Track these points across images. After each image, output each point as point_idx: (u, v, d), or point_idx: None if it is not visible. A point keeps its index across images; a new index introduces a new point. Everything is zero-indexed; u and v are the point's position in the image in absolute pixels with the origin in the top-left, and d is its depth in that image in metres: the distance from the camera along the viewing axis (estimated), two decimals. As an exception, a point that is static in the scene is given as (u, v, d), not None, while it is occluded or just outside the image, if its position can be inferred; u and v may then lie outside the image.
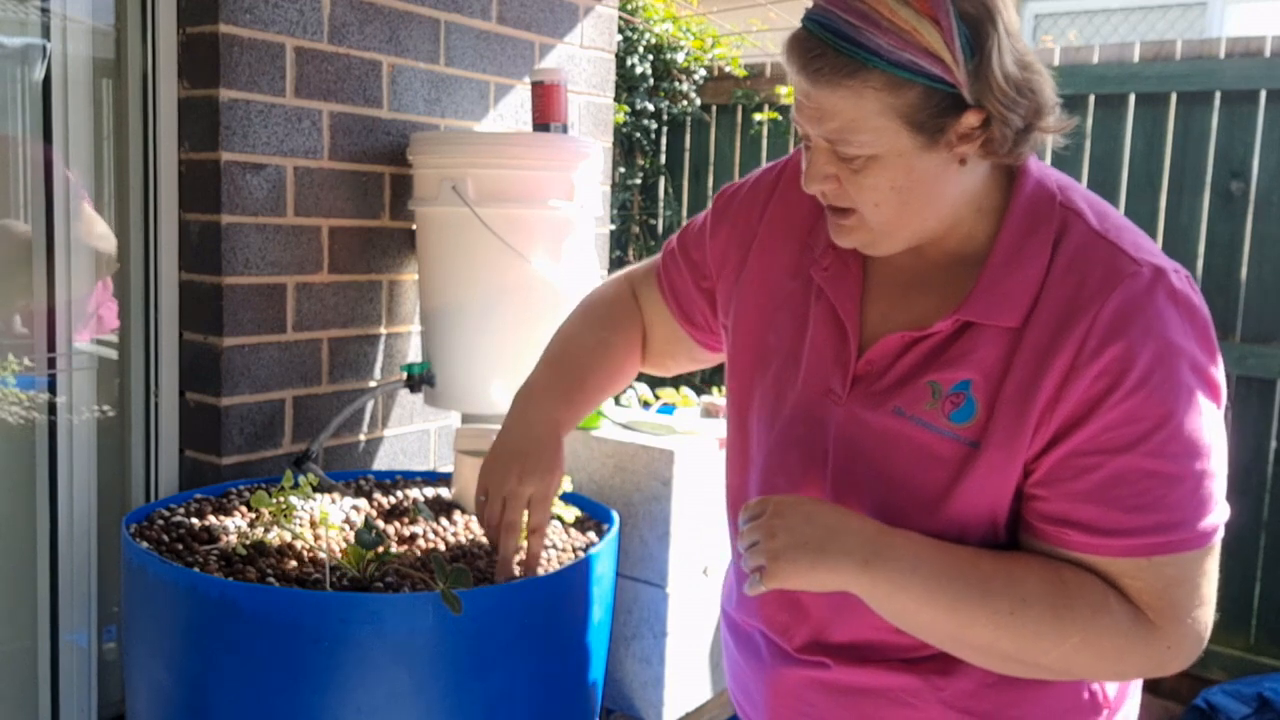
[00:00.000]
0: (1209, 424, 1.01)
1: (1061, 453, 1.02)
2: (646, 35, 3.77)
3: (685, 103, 3.91)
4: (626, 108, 3.72)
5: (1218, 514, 1.03)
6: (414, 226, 2.23)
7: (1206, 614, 1.04)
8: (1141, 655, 1.03)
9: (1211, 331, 1.05)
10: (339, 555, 1.59)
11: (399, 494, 1.96)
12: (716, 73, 3.93)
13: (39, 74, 1.87)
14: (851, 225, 1.09)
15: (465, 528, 1.81)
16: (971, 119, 1.01)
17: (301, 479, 1.79)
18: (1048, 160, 1.19)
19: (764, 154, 3.85)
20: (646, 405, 2.52)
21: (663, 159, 4.07)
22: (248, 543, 1.61)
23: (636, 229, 4.03)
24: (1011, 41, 1.01)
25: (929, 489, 1.07)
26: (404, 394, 2.29)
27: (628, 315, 1.47)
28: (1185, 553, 1.01)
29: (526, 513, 1.39)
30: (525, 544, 1.45)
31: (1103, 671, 1.08)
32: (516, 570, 1.49)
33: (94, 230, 1.96)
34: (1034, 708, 1.12)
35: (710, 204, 1.40)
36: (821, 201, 1.12)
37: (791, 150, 1.21)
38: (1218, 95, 3.00)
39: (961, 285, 1.09)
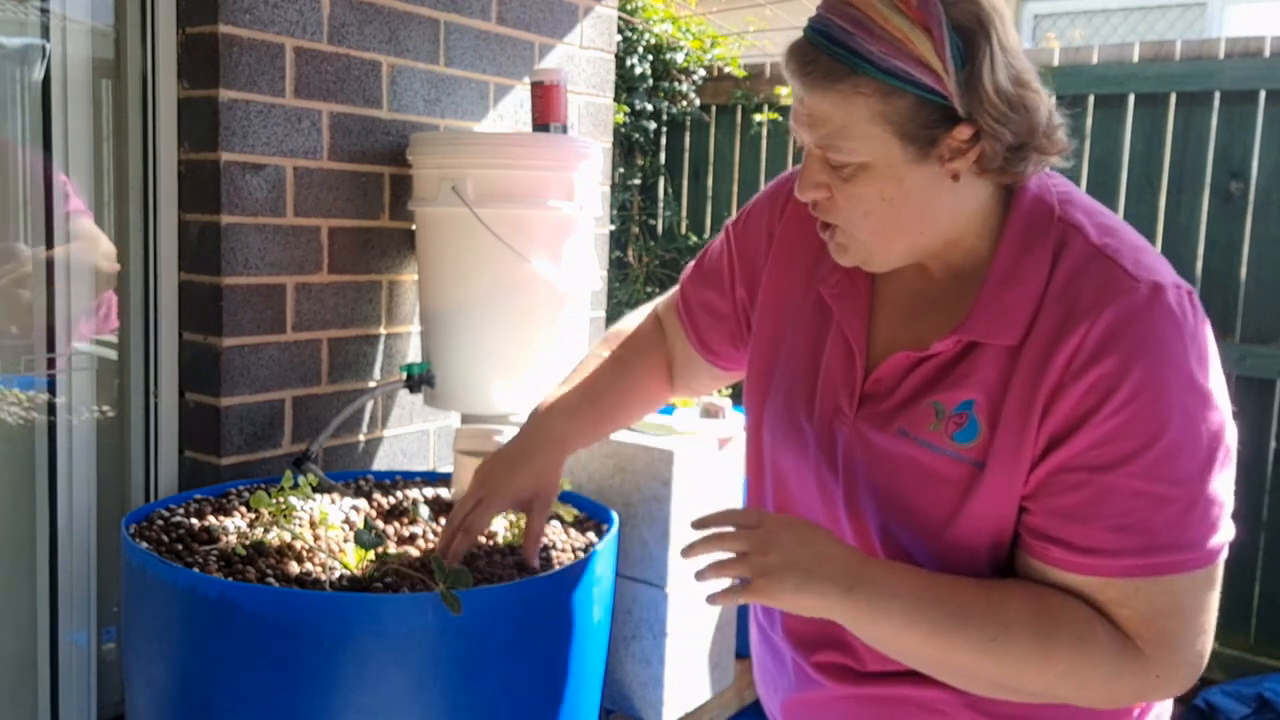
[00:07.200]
0: (1205, 445, 0.98)
1: (1048, 467, 1.01)
2: (646, 35, 3.77)
3: (685, 103, 3.91)
4: (626, 108, 3.72)
5: (1215, 539, 0.99)
6: (414, 227, 2.23)
7: (1203, 644, 1.01)
8: (1129, 684, 1.02)
9: (1211, 351, 1.02)
10: (339, 555, 1.59)
11: (398, 494, 1.96)
12: (716, 73, 3.93)
13: (39, 74, 1.87)
14: (842, 242, 1.10)
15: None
16: (962, 132, 1.00)
17: (301, 479, 1.79)
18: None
19: (763, 154, 3.85)
20: (646, 405, 2.52)
21: (662, 159, 4.07)
22: (247, 543, 1.61)
23: (636, 229, 4.03)
24: (1008, 57, 1.00)
25: (936, 510, 1.07)
26: (403, 394, 2.29)
27: (650, 340, 1.48)
28: (1170, 576, 0.98)
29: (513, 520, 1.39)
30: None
31: (1091, 698, 1.06)
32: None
33: (99, 249, 1.95)
34: (1063, 709, 1.09)
35: (724, 227, 1.40)
36: (813, 215, 1.12)
37: (791, 153, 1.22)
38: (1217, 96, 3.00)
39: (964, 304, 1.08)
